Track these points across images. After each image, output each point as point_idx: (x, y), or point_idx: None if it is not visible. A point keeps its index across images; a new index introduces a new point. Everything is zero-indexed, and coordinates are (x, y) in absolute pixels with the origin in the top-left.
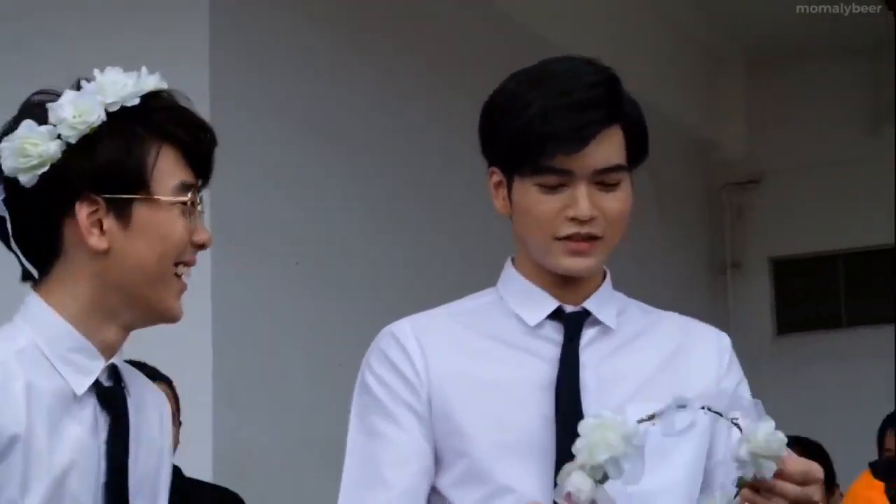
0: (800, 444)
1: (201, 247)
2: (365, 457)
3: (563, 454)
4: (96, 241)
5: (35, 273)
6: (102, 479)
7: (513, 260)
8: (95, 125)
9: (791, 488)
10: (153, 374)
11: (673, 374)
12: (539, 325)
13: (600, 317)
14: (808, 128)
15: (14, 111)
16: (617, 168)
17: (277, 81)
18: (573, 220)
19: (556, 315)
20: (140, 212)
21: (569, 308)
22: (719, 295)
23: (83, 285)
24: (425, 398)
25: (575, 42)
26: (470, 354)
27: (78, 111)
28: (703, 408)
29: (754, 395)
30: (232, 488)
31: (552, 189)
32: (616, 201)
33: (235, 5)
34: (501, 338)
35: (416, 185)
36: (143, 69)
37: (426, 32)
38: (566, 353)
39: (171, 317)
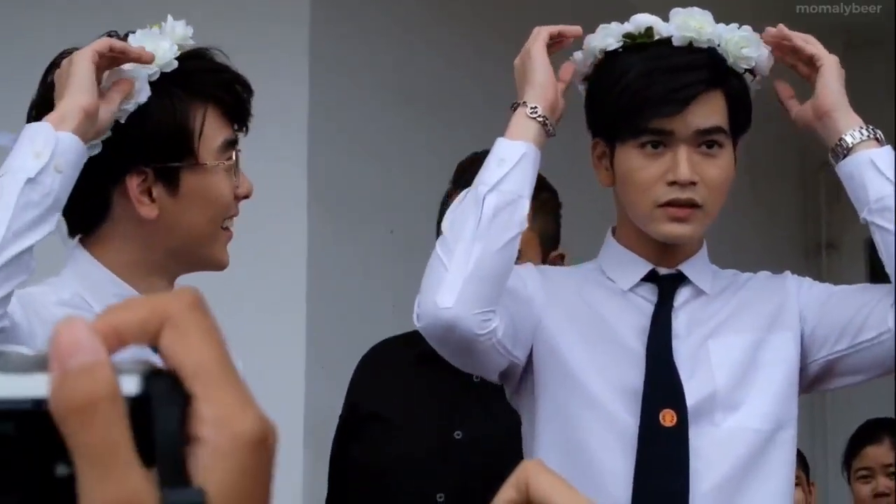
0: (894, 427)
1: (245, 198)
2: None
3: (651, 404)
4: (147, 210)
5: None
6: None
7: (613, 230)
8: (142, 101)
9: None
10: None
11: (754, 312)
12: (633, 288)
13: (695, 280)
14: None
15: None
16: (718, 130)
17: (376, 50)
18: (673, 184)
19: (652, 278)
20: (188, 178)
21: (663, 271)
22: (814, 276)
23: (130, 245)
24: (537, 305)
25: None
26: (577, 298)
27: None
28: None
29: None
30: (323, 455)
31: (654, 152)
32: (717, 168)
33: None
34: (598, 298)
35: None
36: (170, 19)
37: (521, 4)
38: (658, 311)
39: (219, 267)
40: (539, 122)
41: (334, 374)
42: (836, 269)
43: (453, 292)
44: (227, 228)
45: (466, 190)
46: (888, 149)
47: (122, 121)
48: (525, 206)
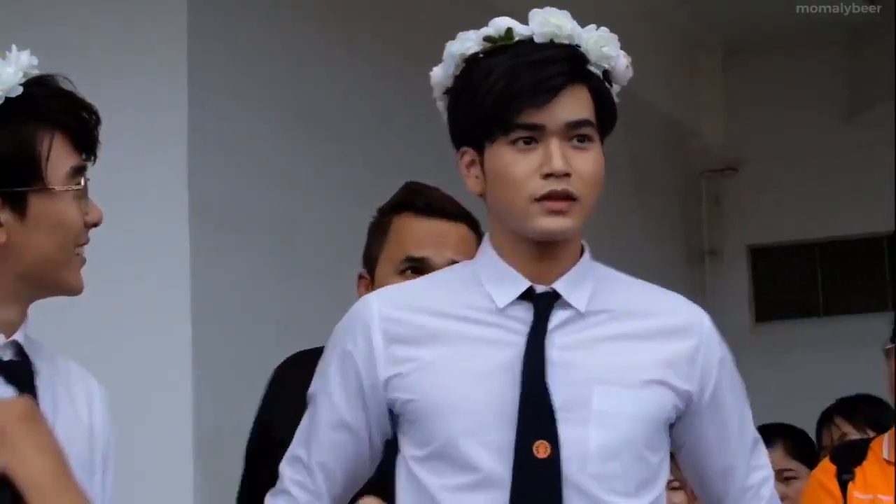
0: (786, 433)
1: (95, 226)
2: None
3: (525, 435)
4: None
5: None
6: None
7: (490, 237)
8: None
9: None
10: None
11: (639, 353)
12: (509, 306)
13: (570, 300)
14: (786, 116)
15: None
16: (587, 123)
17: (257, 66)
18: (548, 176)
19: (528, 295)
20: (35, 203)
21: (539, 289)
22: (697, 282)
23: None
24: (381, 387)
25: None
26: (435, 333)
27: None
28: None
29: None
30: (212, 472)
31: (526, 147)
32: (589, 161)
33: None
34: (470, 317)
35: (397, 172)
36: (14, 49)
37: (406, 19)
38: (533, 336)
39: (73, 292)
40: None
41: (221, 390)
42: (719, 275)
43: None
44: (79, 255)
45: None
46: None
47: None
48: None
